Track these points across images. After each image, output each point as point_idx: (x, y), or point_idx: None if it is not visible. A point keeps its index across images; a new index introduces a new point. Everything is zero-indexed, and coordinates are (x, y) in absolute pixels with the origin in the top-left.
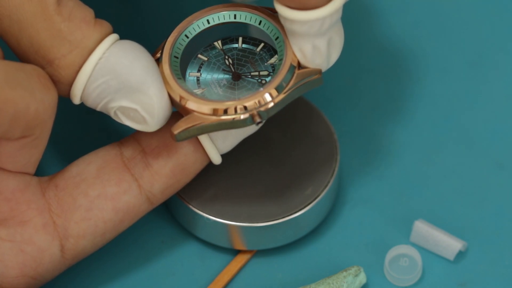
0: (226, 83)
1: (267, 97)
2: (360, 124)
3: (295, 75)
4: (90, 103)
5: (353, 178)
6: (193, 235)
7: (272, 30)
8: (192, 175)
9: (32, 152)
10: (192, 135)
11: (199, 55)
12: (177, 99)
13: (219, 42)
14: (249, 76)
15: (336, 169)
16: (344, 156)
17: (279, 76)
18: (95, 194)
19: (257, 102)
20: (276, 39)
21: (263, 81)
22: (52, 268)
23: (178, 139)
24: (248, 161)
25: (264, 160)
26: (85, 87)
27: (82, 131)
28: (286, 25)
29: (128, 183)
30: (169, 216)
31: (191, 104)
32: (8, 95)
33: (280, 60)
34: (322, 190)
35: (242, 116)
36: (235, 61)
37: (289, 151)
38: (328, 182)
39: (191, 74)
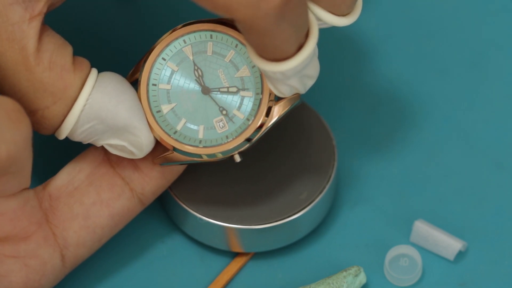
0: (195, 97)
1: (247, 139)
2: (360, 124)
3: (274, 109)
4: (77, 140)
5: (353, 178)
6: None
7: (249, 57)
8: (179, 172)
9: (19, 177)
10: (175, 165)
11: (169, 63)
12: (157, 138)
13: (190, 48)
14: (218, 92)
15: (334, 171)
16: (344, 156)
17: (259, 115)
18: (90, 201)
19: (235, 147)
20: (253, 67)
21: (224, 112)
22: (54, 278)
23: (160, 165)
24: (245, 163)
25: (261, 163)
26: (71, 131)
27: None
28: (260, 69)
29: (120, 187)
30: (169, 217)
31: (170, 145)
32: None
33: (258, 94)
34: (319, 194)
35: (222, 158)
36: (204, 72)
37: (286, 153)
38: (324, 187)
39: (161, 86)
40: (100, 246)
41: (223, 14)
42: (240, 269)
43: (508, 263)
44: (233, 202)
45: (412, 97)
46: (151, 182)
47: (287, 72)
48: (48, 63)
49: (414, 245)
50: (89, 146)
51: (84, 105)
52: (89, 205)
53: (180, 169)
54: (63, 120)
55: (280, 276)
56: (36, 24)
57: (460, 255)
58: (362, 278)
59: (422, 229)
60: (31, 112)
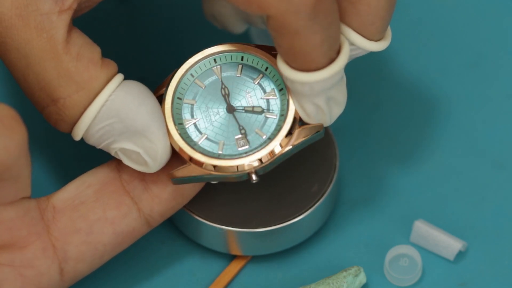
0: (219, 115)
1: (265, 157)
2: (359, 124)
3: (296, 133)
4: (92, 142)
5: (353, 178)
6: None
7: (278, 79)
8: (191, 196)
9: (16, 185)
10: (188, 182)
11: (197, 80)
12: (176, 148)
13: (219, 68)
14: (243, 111)
15: (336, 171)
16: (344, 156)
17: (280, 135)
18: (95, 217)
19: (254, 162)
20: (280, 90)
21: (243, 131)
22: None
23: (174, 183)
24: None
25: None
26: (89, 127)
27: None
28: (287, 83)
29: (128, 207)
30: (170, 219)
31: (187, 155)
32: None
33: (282, 115)
34: (322, 195)
35: (238, 174)
36: (231, 91)
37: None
38: (327, 189)
39: (186, 101)
40: (102, 263)
41: (256, 10)
42: (241, 269)
43: (508, 263)
44: (233, 205)
45: (412, 97)
46: (161, 203)
47: (315, 85)
48: (76, 54)
49: (414, 245)
50: (100, 161)
51: (106, 100)
52: (93, 221)
53: (191, 192)
54: (82, 113)
55: (280, 276)
56: (66, 17)
57: (460, 255)
58: (362, 278)
59: (422, 229)
60: (52, 101)
